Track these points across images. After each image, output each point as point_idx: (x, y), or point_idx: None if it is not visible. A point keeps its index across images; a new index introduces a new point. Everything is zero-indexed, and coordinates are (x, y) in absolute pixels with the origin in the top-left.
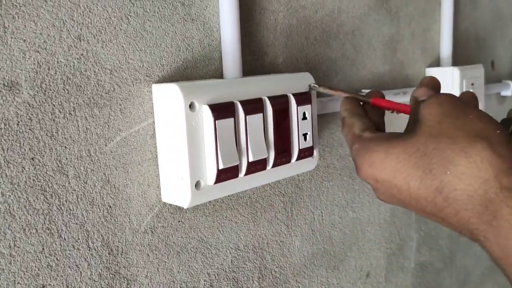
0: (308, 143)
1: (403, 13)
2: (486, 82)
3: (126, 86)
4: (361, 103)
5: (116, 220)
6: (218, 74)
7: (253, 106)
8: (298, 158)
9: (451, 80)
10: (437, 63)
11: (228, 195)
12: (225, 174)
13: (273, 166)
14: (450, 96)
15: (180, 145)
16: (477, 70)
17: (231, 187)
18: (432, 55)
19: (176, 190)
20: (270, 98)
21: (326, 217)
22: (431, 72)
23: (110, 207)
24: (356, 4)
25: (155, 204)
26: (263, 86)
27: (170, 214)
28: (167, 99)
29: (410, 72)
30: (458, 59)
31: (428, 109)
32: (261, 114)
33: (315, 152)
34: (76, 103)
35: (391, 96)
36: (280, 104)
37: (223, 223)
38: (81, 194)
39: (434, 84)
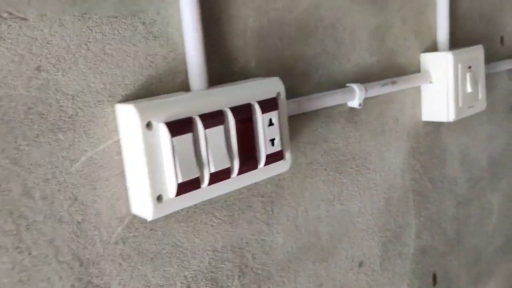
0: (276, 147)
1: None
2: (496, 59)
3: (89, 109)
4: None
5: (86, 234)
6: (185, 86)
7: (213, 119)
8: (267, 163)
9: (445, 65)
10: (435, 46)
11: (202, 201)
12: (186, 187)
13: (239, 173)
14: None
15: (140, 162)
16: (476, 52)
17: (194, 197)
18: (429, 38)
19: (141, 203)
20: (232, 108)
21: (311, 212)
22: (426, 57)
23: (79, 222)
24: None
25: (125, 216)
26: (227, 96)
27: (141, 224)
28: (127, 119)
29: (402, 59)
30: (461, 40)
31: None
32: (222, 126)
33: (287, 155)
34: (40, 130)
35: (378, 88)
36: (243, 114)
37: (198, 227)
38: (48, 214)
39: None
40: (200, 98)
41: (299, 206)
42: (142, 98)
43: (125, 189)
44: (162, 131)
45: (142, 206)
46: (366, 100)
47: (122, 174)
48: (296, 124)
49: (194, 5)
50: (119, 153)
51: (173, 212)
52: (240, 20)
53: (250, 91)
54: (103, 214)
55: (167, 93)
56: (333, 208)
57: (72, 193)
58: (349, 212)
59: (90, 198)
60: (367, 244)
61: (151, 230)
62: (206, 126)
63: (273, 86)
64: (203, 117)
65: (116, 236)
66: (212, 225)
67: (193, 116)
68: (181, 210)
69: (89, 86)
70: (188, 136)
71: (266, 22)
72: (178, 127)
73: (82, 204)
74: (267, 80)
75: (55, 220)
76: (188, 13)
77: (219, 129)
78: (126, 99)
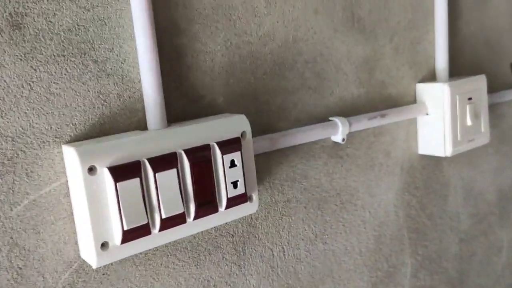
0: (240, 190)
1: (382, 29)
2: (505, 88)
3: (32, 150)
4: None
5: (28, 280)
6: (142, 125)
7: (165, 162)
8: (229, 206)
9: (442, 96)
10: (433, 76)
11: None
12: (133, 233)
13: (196, 218)
14: None
15: (83, 208)
16: (478, 82)
17: (143, 244)
18: (426, 67)
19: (87, 249)
20: (188, 150)
21: (289, 252)
22: (422, 88)
23: (20, 268)
24: (317, 30)
25: (74, 260)
26: (184, 137)
27: (92, 268)
28: (71, 162)
29: (394, 90)
30: (464, 68)
31: None
32: (175, 170)
33: (254, 196)
34: None
35: (364, 121)
36: (200, 156)
37: (158, 271)
38: None
39: None
40: (153, 139)
41: (275, 246)
42: (94, 137)
43: (74, 232)
44: (106, 176)
45: (88, 253)
46: (353, 133)
47: (70, 217)
48: (271, 161)
49: (151, 42)
50: (67, 195)
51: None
52: (207, 55)
53: (211, 130)
54: (48, 259)
55: (122, 132)
56: (314, 247)
57: (11, 238)
58: (333, 252)
59: (33, 242)
60: (354, 284)
61: (103, 274)
62: (156, 170)
63: (237, 125)
64: (153, 160)
65: (63, 282)
66: (174, 268)
67: (142, 159)
68: (139, 252)
69: (32, 127)
70: (135, 181)
71: (237, 57)
72: (124, 171)
73: (24, 249)
74: (230, 118)
75: None
76: (144, 49)
77: (171, 173)
78: (75, 139)
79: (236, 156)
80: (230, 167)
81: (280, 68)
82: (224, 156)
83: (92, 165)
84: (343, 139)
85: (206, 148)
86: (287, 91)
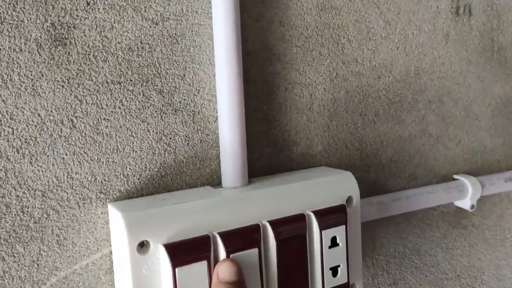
0: (341, 279)
1: None
2: None
3: (68, 210)
4: None
5: None
6: (216, 178)
7: (243, 238)
8: None
9: None
10: None
11: None
12: None
13: None
14: None
15: None
16: None
17: None
18: None
19: None
20: (274, 223)
21: None
22: None
23: None
24: (447, 60)
25: None
26: (271, 202)
27: None
28: (117, 230)
29: None
30: None
31: None
32: (256, 250)
33: (357, 285)
34: None
35: (500, 183)
36: (290, 230)
37: None
38: None
39: None
40: (228, 205)
41: None
42: (151, 194)
43: None
44: (162, 256)
45: None
46: (481, 197)
47: None
48: (376, 230)
49: (236, 69)
50: (110, 271)
51: None
52: (305, 89)
53: (306, 193)
54: None
55: (189, 188)
56: None
57: None
58: None
59: None
60: None
61: None
62: (231, 250)
63: (342, 187)
64: (228, 235)
65: None
66: None
67: (213, 234)
68: None
69: (71, 177)
70: (201, 266)
71: (344, 92)
72: (187, 251)
73: None
74: (334, 178)
75: None
76: (226, 78)
77: (252, 253)
78: (126, 196)
79: (339, 232)
80: (330, 247)
81: (396, 109)
82: (323, 231)
83: (144, 240)
84: (472, 206)
85: (300, 219)
86: (402, 139)
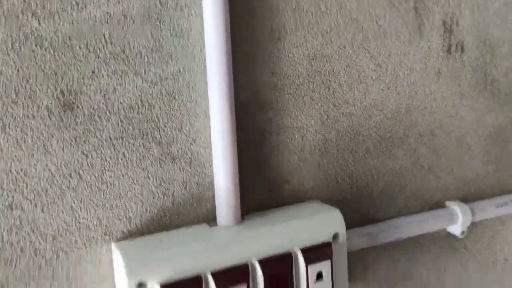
0: None
1: None
2: None
3: (76, 250)
4: None
5: None
6: (211, 216)
7: (233, 277)
8: None
9: None
10: None
11: None
12: None
13: None
14: None
15: None
16: None
17: None
18: None
19: None
20: (263, 262)
21: None
22: None
23: None
24: (438, 96)
25: None
26: (261, 241)
27: None
28: (119, 270)
29: None
30: None
31: None
32: (245, 286)
33: None
34: (5, 280)
35: (491, 209)
36: (278, 267)
37: None
38: None
39: None
40: (221, 245)
41: None
42: (151, 233)
43: None
44: None
45: None
46: (473, 222)
47: None
48: (367, 257)
49: (229, 119)
50: None
51: None
52: (296, 132)
53: (294, 232)
54: None
55: (186, 225)
56: None
57: None
58: None
59: None
60: None
61: None
62: (221, 287)
63: (329, 224)
64: (219, 274)
65: None
66: None
67: (205, 274)
68: None
69: (78, 222)
70: None
71: (334, 133)
72: None
73: None
74: (321, 216)
75: None
76: (220, 129)
77: None
78: (128, 235)
79: (324, 266)
80: (316, 281)
81: (387, 145)
82: (309, 266)
83: (142, 281)
84: (463, 232)
85: (287, 257)
86: (393, 172)
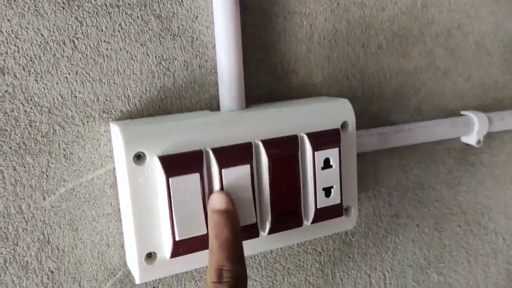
0: (334, 199)
1: None
2: None
3: (73, 126)
4: None
5: (60, 286)
6: (214, 104)
7: (235, 155)
8: (316, 220)
9: None
10: None
11: None
12: (188, 246)
13: (271, 232)
14: None
15: (126, 206)
16: None
17: (200, 259)
18: None
19: (131, 258)
20: (267, 142)
21: (391, 280)
22: None
23: (52, 272)
24: None
25: (118, 268)
26: (265, 123)
27: None
28: (117, 144)
29: None
30: None
31: None
32: (248, 166)
33: (352, 209)
34: (0, 150)
35: (510, 119)
36: (283, 150)
37: None
38: (10, 258)
39: None
40: (223, 124)
41: (373, 272)
42: (151, 116)
43: (120, 233)
44: (157, 167)
45: (131, 263)
46: (492, 134)
47: (117, 213)
48: (378, 162)
49: None
50: (114, 185)
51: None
52: (304, 18)
53: (301, 117)
54: (86, 263)
55: (188, 112)
56: (426, 277)
57: (43, 233)
58: (451, 285)
59: (68, 241)
60: None
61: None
62: (222, 165)
63: (337, 112)
64: (220, 151)
65: None
66: None
67: (206, 149)
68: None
69: (74, 96)
70: (194, 178)
71: (345, 23)
72: (180, 163)
73: (57, 249)
74: (328, 103)
75: (18, 266)
76: (223, 5)
77: (244, 169)
78: (127, 116)
79: (332, 153)
80: (323, 168)
81: (401, 42)
82: (315, 152)
83: (140, 152)
84: (479, 141)
85: (293, 140)
86: (407, 72)
